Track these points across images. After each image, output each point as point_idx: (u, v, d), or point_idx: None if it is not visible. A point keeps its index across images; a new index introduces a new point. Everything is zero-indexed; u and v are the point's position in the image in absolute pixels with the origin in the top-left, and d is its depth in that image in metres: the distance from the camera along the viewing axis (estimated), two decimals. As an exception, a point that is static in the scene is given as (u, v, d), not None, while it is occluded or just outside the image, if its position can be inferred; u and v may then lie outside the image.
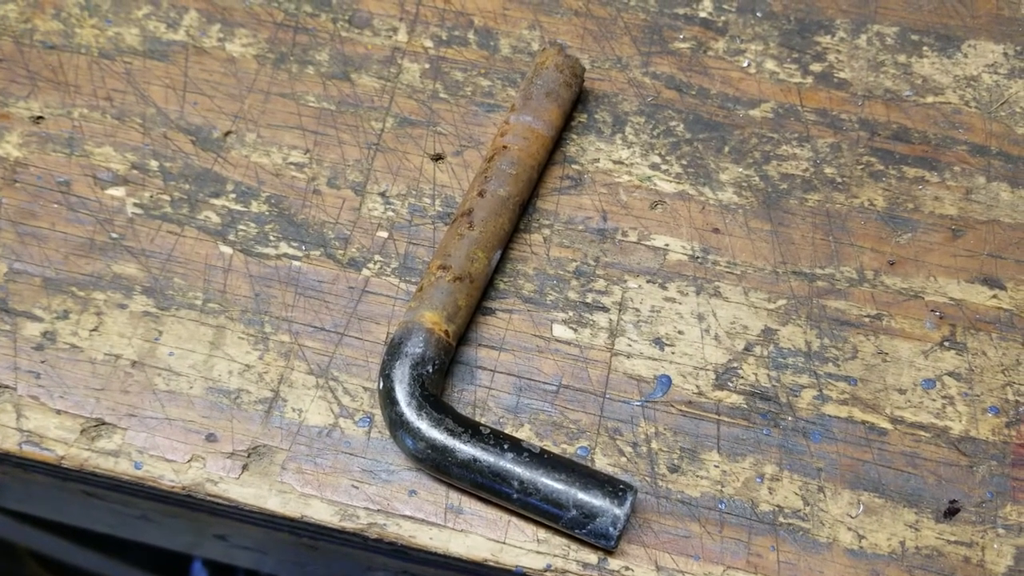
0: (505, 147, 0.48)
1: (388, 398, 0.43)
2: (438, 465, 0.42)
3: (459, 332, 0.46)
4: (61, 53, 0.54)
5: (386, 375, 0.44)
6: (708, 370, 0.47)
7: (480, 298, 0.47)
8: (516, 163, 0.48)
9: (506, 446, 0.42)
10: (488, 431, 0.43)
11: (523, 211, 0.49)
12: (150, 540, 0.72)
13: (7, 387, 0.47)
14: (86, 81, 0.54)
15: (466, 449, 0.42)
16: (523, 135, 0.48)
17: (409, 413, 0.43)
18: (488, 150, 0.49)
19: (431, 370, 0.44)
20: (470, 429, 0.43)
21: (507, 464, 0.42)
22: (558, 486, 0.41)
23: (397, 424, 0.43)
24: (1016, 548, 0.43)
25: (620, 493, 0.41)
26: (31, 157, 0.52)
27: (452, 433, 0.42)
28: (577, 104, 0.53)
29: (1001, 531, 0.43)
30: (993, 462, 0.45)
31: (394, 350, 0.44)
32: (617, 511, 0.41)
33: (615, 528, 0.41)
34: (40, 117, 0.53)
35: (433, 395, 0.44)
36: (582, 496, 0.41)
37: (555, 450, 0.45)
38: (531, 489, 0.41)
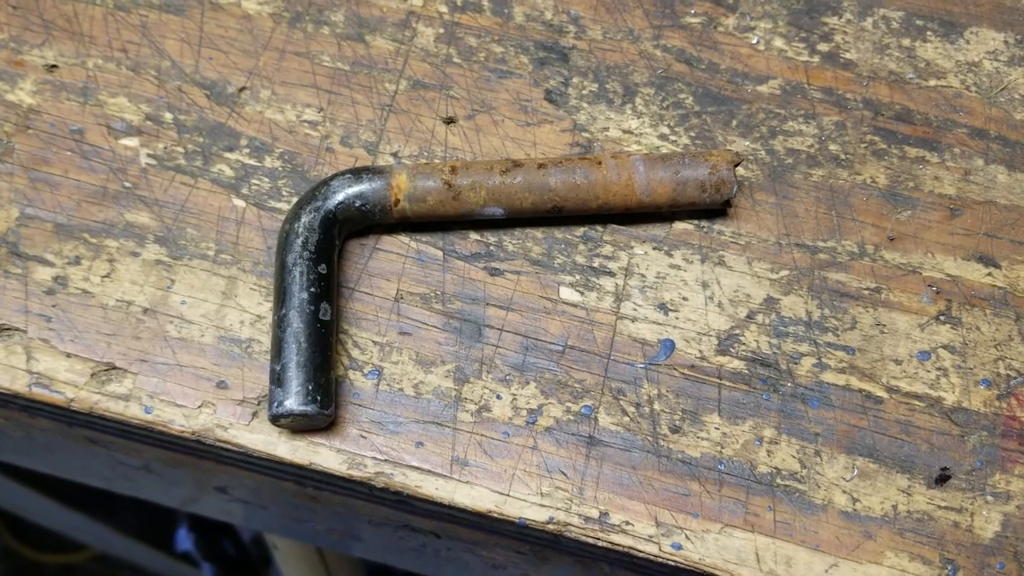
0: (599, 163, 0.47)
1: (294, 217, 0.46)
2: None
3: (404, 216, 0.48)
4: (76, 3, 0.54)
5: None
6: (711, 336, 0.48)
7: (445, 225, 0.50)
8: (590, 184, 0.47)
9: (311, 309, 0.45)
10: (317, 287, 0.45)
11: (550, 216, 0.49)
12: (147, 495, 0.72)
13: (17, 329, 0.47)
14: (101, 32, 0.54)
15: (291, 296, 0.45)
16: (619, 173, 0.47)
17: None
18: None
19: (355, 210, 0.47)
20: (316, 287, 0.45)
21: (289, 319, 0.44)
22: (291, 355, 0.44)
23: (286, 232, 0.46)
24: (1003, 515, 0.44)
25: (314, 398, 0.43)
26: (44, 104, 0.52)
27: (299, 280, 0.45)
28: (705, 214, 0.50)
29: (990, 498, 0.45)
30: (984, 432, 0.46)
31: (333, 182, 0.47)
32: (289, 402, 0.43)
33: (278, 408, 0.43)
34: (54, 66, 0.53)
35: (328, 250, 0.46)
36: (291, 372, 0.43)
37: (559, 409, 0.46)
38: (274, 350, 0.44)
